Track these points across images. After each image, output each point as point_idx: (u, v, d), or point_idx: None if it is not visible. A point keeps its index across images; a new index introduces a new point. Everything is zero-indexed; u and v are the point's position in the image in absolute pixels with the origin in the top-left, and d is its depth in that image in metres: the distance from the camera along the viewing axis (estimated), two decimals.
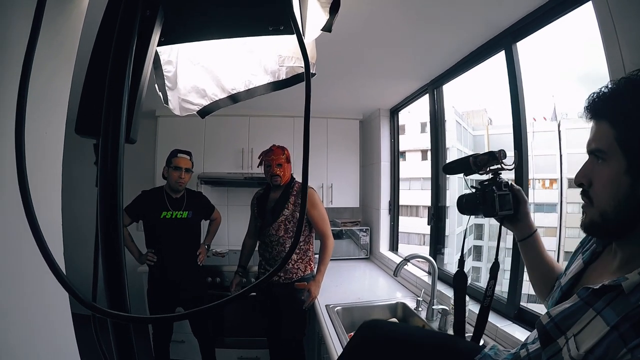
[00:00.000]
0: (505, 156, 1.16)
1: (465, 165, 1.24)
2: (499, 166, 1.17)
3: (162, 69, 1.05)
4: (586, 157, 0.80)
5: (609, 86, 0.74)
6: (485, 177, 1.20)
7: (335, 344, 1.92)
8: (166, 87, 1.10)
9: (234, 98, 1.10)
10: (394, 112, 3.84)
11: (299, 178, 2.84)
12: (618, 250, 0.79)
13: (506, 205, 1.13)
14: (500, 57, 1.99)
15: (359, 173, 4.26)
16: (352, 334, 1.29)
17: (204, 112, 1.13)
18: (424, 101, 3.11)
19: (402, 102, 3.57)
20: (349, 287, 3.00)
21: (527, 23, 1.76)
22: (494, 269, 1.22)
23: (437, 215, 2.96)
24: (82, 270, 1.17)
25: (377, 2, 1.68)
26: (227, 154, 3.93)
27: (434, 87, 2.91)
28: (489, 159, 1.17)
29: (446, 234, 3.06)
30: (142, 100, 0.56)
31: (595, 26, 1.21)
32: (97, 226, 0.49)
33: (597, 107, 0.75)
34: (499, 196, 1.12)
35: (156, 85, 1.08)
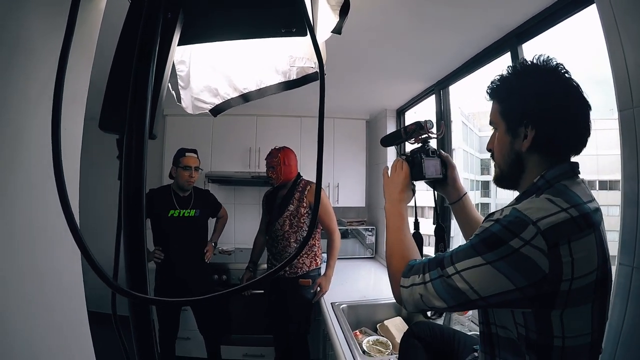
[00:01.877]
0: (432, 125, 1.25)
1: (397, 136, 1.36)
2: (426, 135, 1.26)
3: (175, 68, 1.07)
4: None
5: (501, 74, 0.99)
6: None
7: (341, 341, 1.94)
8: (179, 86, 1.13)
9: (245, 97, 1.13)
10: (401, 113, 3.84)
11: (306, 176, 2.93)
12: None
13: (435, 170, 1.24)
14: (507, 59, 2.01)
15: (365, 173, 4.28)
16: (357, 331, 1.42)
17: (216, 110, 1.16)
18: (431, 102, 3.11)
19: (409, 103, 3.58)
20: (355, 285, 3.03)
21: (532, 25, 1.77)
22: (439, 231, 1.33)
23: (442, 216, 2.97)
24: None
25: (383, 4, 1.70)
26: (234, 153, 3.96)
27: (440, 88, 2.92)
28: (417, 128, 1.26)
29: (451, 234, 3.06)
30: (164, 98, 0.58)
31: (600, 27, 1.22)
32: (120, 216, 0.51)
33: (491, 90, 1.01)
34: (426, 161, 1.22)
35: (169, 84, 1.11)
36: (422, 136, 1.27)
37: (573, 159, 0.95)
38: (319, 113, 0.54)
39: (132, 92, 0.50)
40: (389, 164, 1.31)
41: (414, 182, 1.25)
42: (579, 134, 0.91)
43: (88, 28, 0.86)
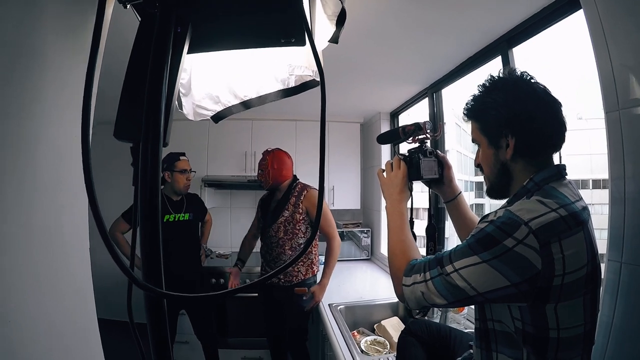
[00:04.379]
0: (430, 126, 1.29)
1: (395, 135, 1.38)
2: (424, 135, 1.29)
3: None
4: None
5: (473, 94, 1.07)
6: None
7: (340, 342, 1.98)
8: (181, 93, 1.16)
9: (246, 104, 1.16)
10: (394, 116, 3.90)
11: (303, 179, 2.86)
12: None
13: (431, 170, 1.27)
14: (498, 62, 2.05)
15: (360, 175, 4.32)
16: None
17: (218, 117, 1.19)
18: (424, 104, 3.16)
19: (402, 106, 3.64)
20: (351, 286, 3.07)
21: (522, 30, 1.82)
22: (430, 230, 1.35)
23: (436, 217, 3.01)
24: (101, 263, 1.22)
25: (377, 10, 1.75)
26: (230, 157, 3.98)
27: (433, 91, 2.97)
28: (415, 129, 1.29)
29: (446, 235, 3.10)
30: (175, 107, 0.62)
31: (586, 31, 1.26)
32: (135, 219, 0.55)
33: (467, 111, 1.09)
34: (424, 161, 1.25)
35: None
36: (420, 137, 1.30)
37: (564, 158, 1.01)
38: (321, 121, 0.58)
39: (147, 104, 0.53)
40: (384, 165, 1.35)
41: (411, 182, 1.28)
42: (556, 131, 0.98)
43: None
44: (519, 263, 0.81)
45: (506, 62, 1.97)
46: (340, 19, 0.96)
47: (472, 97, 1.07)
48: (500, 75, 1.03)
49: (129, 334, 0.69)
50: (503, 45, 1.97)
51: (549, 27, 1.72)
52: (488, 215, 0.93)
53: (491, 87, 1.03)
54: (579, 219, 0.85)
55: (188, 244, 2.99)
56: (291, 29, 0.79)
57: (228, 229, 4.17)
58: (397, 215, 1.20)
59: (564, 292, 0.82)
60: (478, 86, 1.06)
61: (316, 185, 3.90)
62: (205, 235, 3.35)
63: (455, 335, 1.48)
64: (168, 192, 2.95)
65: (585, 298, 0.86)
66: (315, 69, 1.06)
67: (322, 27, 0.97)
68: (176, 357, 3.11)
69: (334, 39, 1.00)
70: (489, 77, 1.05)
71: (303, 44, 0.79)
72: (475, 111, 1.07)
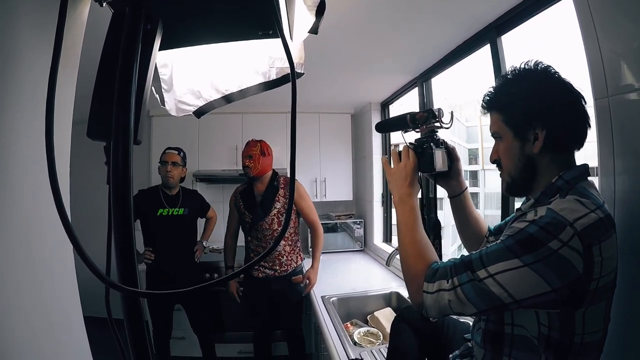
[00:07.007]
0: (443, 114, 1.17)
1: (402, 123, 1.26)
2: (437, 124, 1.17)
3: (158, 72, 1.09)
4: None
5: (494, 85, 1.03)
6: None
7: (332, 334, 1.99)
8: (162, 89, 1.15)
9: (227, 98, 1.15)
10: (385, 106, 3.88)
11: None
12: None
13: (442, 162, 1.17)
14: (487, 51, 2.04)
15: (352, 166, 4.32)
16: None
17: (200, 112, 1.18)
18: (415, 94, 3.15)
19: (393, 96, 3.62)
20: (344, 278, 3.07)
21: (511, 17, 1.81)
22: (436, 227, 1.26)
23: (428, 206, 2.99)
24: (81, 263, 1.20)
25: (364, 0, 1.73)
26: (221, 151, 3.96)
27: (423, 81, 2.96)
28: (428, 117, 1.18)
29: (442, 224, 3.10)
30: (147, 104, 0.61)
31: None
32: (110, 219, 0.54)
33: (488, 102, 1.04)
34: (437, 152, 1.14)
35: (153, 88, 1.13)
36: (430, 125, 1.19)
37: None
38: (292, 114, 0.58)
39: (117, 103, 0.53)
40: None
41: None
42: (584, 126, 0.93)
43: (72, 39, 0.87)
44: (562, 267, 0.76)
45: (495, 50, 1.95)
46: (320, 10, 0.95)
47: (493, 88, 1.02)
48: (525, 66, 0.97)
49: (109, 330, 0.68)
50: (492, 33, 1.96)
51: (538, 13, 1.70)
52: (524, 214, 0.89)
53: (516, 78, 0.98)
54: (612, 221, 0.83)
55: (180, 238, 2.97)
56: (268, 21, 0.78)
57: (221, 223, 4.14)
58: (408, 211, 1.09)
59: (596, 296, 0.80)
60: (500, 77, 1.02)
61: (306, 178, 3.94)
62: (207, 232, 3.32)
63: (449, 324, 1.45)
64: (162, 186, 2.96)
65: (607, 301, 0.85)
66: (297, 60, 1.05)
67: (302, 18, 0.95)
68: (174, 353, 3.13)
69: (314, 30, 0.98)
70: (513, 68, 1.00)
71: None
72: (498, 102, 1.01)
